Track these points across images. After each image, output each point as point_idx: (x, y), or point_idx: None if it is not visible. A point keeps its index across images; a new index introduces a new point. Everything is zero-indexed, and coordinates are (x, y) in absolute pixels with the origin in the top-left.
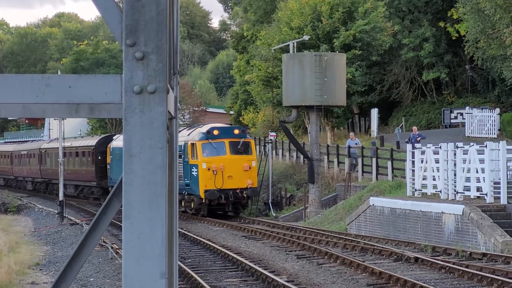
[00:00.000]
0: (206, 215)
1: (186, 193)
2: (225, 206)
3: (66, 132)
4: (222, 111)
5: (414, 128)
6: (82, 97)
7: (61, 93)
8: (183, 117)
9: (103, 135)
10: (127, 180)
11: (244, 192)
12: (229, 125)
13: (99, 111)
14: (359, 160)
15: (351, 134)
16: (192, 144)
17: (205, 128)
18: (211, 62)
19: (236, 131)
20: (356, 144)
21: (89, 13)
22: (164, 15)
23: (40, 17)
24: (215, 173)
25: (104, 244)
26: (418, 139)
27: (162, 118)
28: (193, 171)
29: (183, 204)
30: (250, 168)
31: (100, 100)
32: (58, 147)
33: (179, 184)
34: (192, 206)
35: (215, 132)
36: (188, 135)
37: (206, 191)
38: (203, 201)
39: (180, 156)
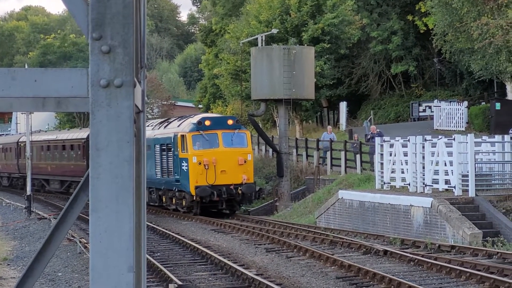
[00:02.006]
0: (199, 213)
1: (177, 189)
2: (218, 203)
3: (34, 126)
4: (191, 105)
5: (372, 127)
6: (48, 90)
7: (27, 87)
8: (152, 111)
9: None
10: (94, 174)
11: (239, 188)
12: (222, 115)
13: (66, 105)
14: (328, 153)
15: (329, 127)
16: (182, 136)
17: (196, 119)
18: (179, 55)
19: (230, 122)
20: (330, 138)
21: (56, 7)
22: (130, 9)
23: (7, 11)
24: (206, 167)
25: (72, 238)
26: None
27: (129, 112)
28: (183, 166)
29: (173, 201)
30: (245, 162)
31: (66, 94)
32: (38, 140)
33: (169, 181)
34: (184, 204)
35: (207, 123)
36: (178, 126)
37: (197, 187)
38: (195, 198)
39: (169, 150)
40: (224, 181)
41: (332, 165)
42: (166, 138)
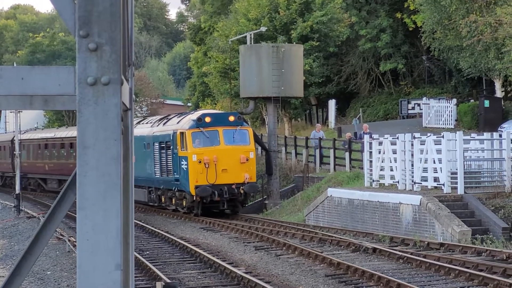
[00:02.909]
0: (200, 214)
1: (176, 189)
2: (219, 203)
3: (23, 125)
4: (180, 103)
5: (365, 126)
6: (35, 89)
7: (13, 85)
8: (141, 109)
9: None
10: (81, 172)
11: (241, 187)
12: (223, 111)
13: (53, 103)
14: (317, 151)
15: (318, 125)
16: (181, 133)
17: (196, 115)
18: (168, 54)
19: (231, 118)
20: (320, 137)
21: (45, 5)
22: (117, 6)
23: None
24: (207, 166)
25: (61, 237)
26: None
27: (116, 110)
28: (182, 164)
29: (173, 202)
30: (247, 160)
31: (53, 92)
32: (35, 138)
33: (168, 180)
34: (184, 204)
35: (207, 119)
36: (178, 123)
37: (197, 187)
38: (195, 198)
39: (169, 147)
40: (226, 181)
41: (321, 162)
42: (165, 135)
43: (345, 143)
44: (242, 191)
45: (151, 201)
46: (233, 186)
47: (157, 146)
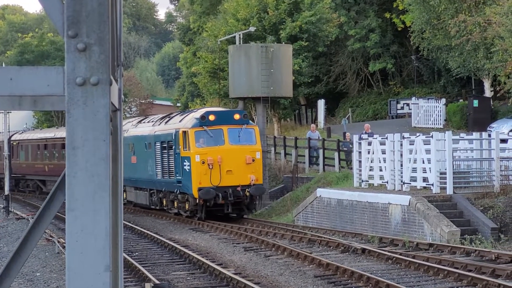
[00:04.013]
0: (204, 218)
1: (179, 191)
2: (224, 207)
3: (12, 125)
4: (169, 103)
5: (367, 125)
6: (24, 89)
7: (2, 85)
8: (130, 109)
9: None
10: (70, 173)
11: (247, 190)
12: (228, 109)
13: (42, 103)
14: (320, 152)
15: (312, 126)
16: (184, 132)
17: (199, 113)
18: (157, 54)
19: (237, 116)
20: (318, 137)
21: (34, 5)
22: (106, 6)
23: None
24: (211, 167)
25: (50, 238)
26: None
27: (105, 110)
28: (185, 165)
29: (175, 205)
30: (253, 160)
31: (42, 92)
32: (34, 139)
33: (170, 182)
34: (187, 207)
35: (211, 118)
36: (180, 121)
37: (200, 189)
38: (198, 201)
39: (171, 147)
40: (230, 182)
41: (310, 163)
42: (167, 134)
43: (345, 144)
44: (247, 194)
45: (152, 204)
46: (238, 188)
47: (159, 146)
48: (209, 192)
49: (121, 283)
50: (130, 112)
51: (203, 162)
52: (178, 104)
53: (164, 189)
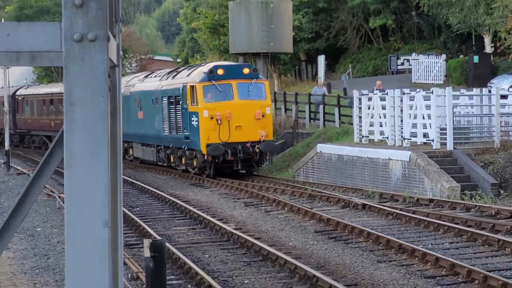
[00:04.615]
0: (212, 175)
1: (186, 148)
2: (233, 163)
3: (11, 81)
4: (169, 59)
5: (378, 82)
6: (21, 45)
7: None
8: (130, 65)
9: None
10: (68, 129)
11: (256, 146)
12: (238, 63)
13: (40, 59)
14: (321, 107)
15: (320, 81)
16: (192, 87)
17: (207, 67)
18: (157, 9)
19: (246, 70)
20: (323, 93)
21: None
22: None
23: None
24: (219, 122)
25: (51, 193)
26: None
27: (103, 66)
28: (193, 121)
29: (183, 161)
30: (263, 116)
31: (40, 48)
32: (40, 93)
33: (178, 138)
34: (195, 164)
35: (220, 72)
36: (188, 75)
37: (208, 145)
38: (206, 157)
39: (178, 103)
40: (240, 138)
41: (310, 118)
42: (174, 89)
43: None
44: (257, 150)
45: (160, 161)
46: (248, 145)
47: (166, 102)
48: (217, 149)
49: (120, 238)
50: (130, 67)
51: (212, 118)
52: (178, 60)
53: (172, 145)
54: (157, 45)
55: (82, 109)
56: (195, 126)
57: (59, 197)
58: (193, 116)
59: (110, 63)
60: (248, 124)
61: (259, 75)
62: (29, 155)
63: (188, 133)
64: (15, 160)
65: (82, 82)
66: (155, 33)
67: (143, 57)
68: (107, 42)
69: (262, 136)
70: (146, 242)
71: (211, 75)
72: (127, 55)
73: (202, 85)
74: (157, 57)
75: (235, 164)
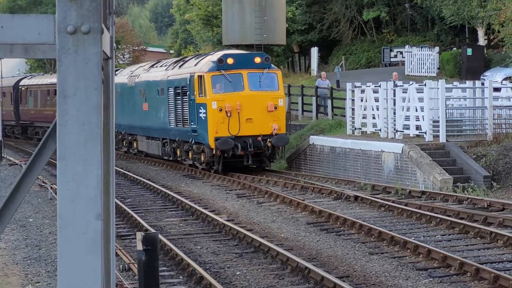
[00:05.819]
0: (221, 171)
1: (194, 141)
2: (243, 158)
3: (4, 72)
4: (162, 50)
5: (395, 74)
6: (15, 37)
7: None
8: (123, 56)
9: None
10: (61, 121)
11: (268, 140)
12: (248, 52)
13: (33, 51)
14: (328, 101)
15: (323, 73)
16: (200, 77)
17: (216, 56)
18: (150, 1)
19: (258, 60)
20: (327, 85)
21: None
22: None
23: None
24: (229, 115)
25: (43, 184)
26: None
27: (96, 59)
28: (200, 113)
29: (190, 156)
30: (276, 108)
31: (33, 40)
32: (43, 84)
33: (184, 131)
34: (202, 158)
35: (230, 61)
36: (196, 65)
37: (217, 139)
38: (215, 152)
39: (185, 93)
40: (250, 132)
41: (303, 110)
42: (181, 79)
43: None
44: (269, 144)
45: (165, 155)
46: (259, 138)
47: (172, 92)
48: (226, 142)
49: (112, 230)
50: (123, 59)
51: (221, 110)
52: (171, 51)
53: (178, 138)
54: (150, 36)
55: (75, 102)
56: (203, 118)
57: (51, 187)
58: (201, 108)
59: (104, 55)
60: (260, 117)
61: (272, 65)
62: (21, 146)
63: (195, 126)
64: (7, 151)
65: (75, 74)
66: (148, 24)
67: (136, 48)
68: (100, 34)
69: (274, 129)
70: (139, 235)
71: (220, 64)
72: (119, 47)
73: (211, 75)
74: (150, 49)
75: (245, 159)
